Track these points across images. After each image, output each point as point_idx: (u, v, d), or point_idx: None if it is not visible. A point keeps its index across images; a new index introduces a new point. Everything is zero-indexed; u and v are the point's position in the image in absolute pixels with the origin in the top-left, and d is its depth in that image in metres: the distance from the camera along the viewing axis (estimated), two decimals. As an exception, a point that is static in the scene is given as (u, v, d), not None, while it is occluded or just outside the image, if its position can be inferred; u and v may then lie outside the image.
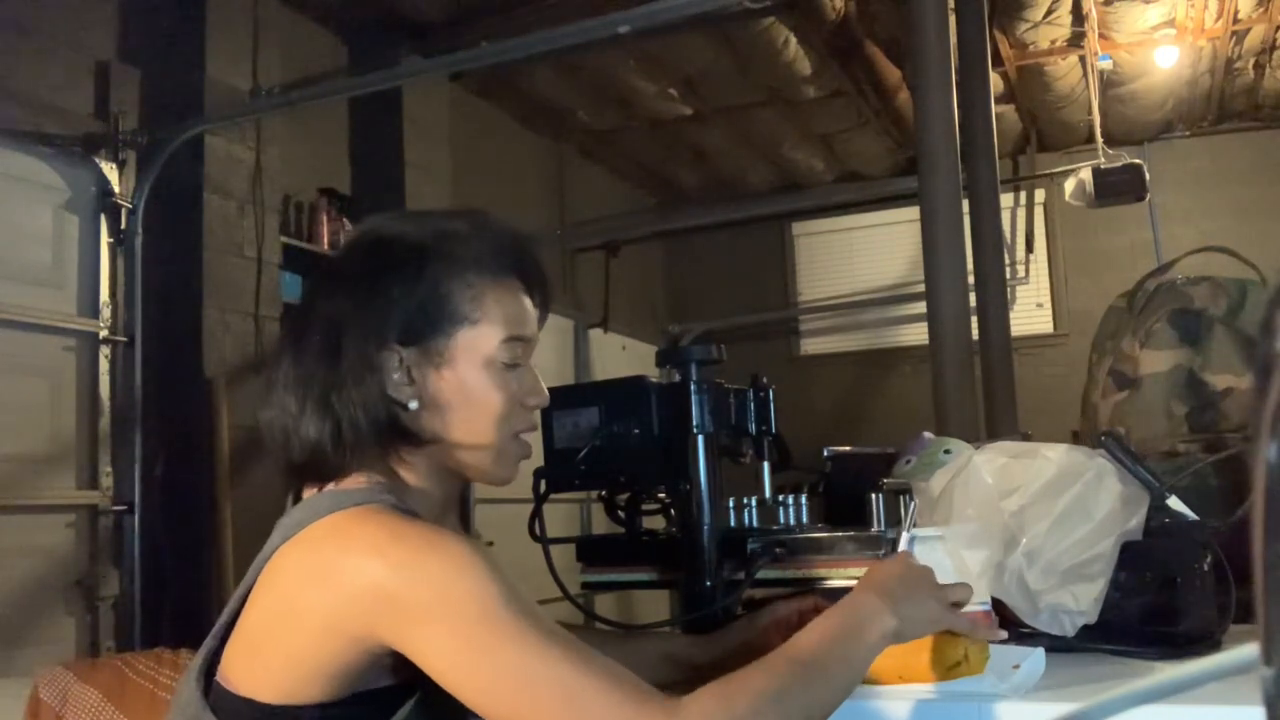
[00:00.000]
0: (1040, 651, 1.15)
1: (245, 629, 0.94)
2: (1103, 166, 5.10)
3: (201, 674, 0.96)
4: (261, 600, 0.93)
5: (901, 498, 1.41)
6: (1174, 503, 1.34)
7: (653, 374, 1.45)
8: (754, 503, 1.43)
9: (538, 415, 1.11)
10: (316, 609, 0.89)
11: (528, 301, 1.10)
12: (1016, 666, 1.11)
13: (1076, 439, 2.23)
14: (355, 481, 1.00)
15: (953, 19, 3.48)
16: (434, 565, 0.87)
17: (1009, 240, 6.44)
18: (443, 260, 1.03)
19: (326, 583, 0.89)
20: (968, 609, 1.17)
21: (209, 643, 0.98)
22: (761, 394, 1.43)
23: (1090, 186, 5.08)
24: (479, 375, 1.03)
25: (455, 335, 1.03)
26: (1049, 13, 4.95)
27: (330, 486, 0.99)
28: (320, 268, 1.10)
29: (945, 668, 1.10)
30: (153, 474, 3.69)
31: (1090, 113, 5.33)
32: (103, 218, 3.69)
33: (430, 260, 1.03)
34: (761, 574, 1.33)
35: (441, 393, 1.02)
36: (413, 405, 1.01)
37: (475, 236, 1.06)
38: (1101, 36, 5.13)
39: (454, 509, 1.12)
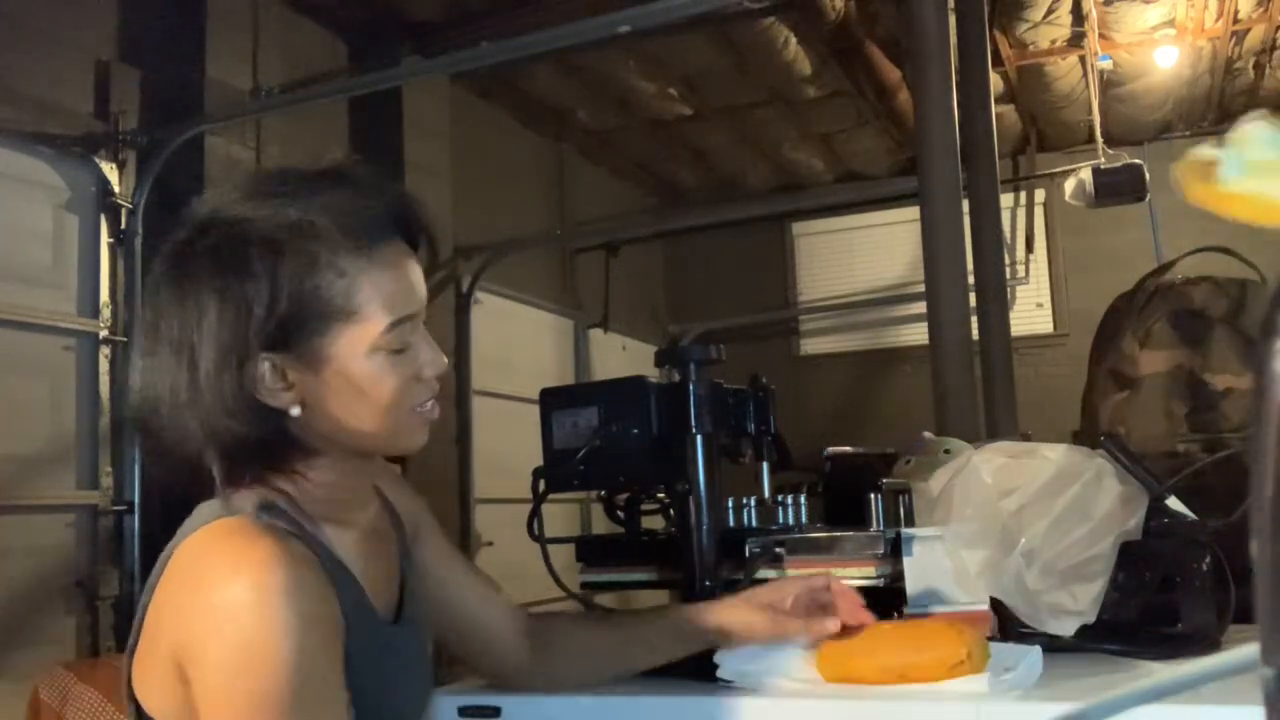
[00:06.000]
0: (1037, 650, 1.15)
1: (140, 646, 0.91)
2: (1103, 166, 5.10)
3: (129, 692, 0.93)
4: (147, 614, 0.90)
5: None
6: (1174, 503, 1.34)
7: (653, 374, 1.45)
8: (753, 503, 1.43)
9: (437, 384, 1.00)
10: (163, 632, 0.87)
11: (412, 268, 0.97)
12: (1008, 670, 1.11)
13: (1076, 439, 2.23)
14: (247, 484, 0.94)
15: (953, 19, 3.48)
16: (244, 622, 0.81)
17: (1009, 240, 6.44)
18: (301, 256, 0.90)
19: (166, 610, 0.87)
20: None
21: (125, 662, 0.94)
22: (761, 394, 1.43)
23: (1090, 186, 5.08)
24: (364, 367, 0.92)
25: (330, 333, 0.91)
26: (1049, 13, 4.95)
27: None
28: (162, 262, 0.95)
29: (947, 667, 1.10)
30: (152, 474, 3.69)
31: (1090, 113, 5.33)
32: (103, 218, 3.69)
33: (286, 257, 0.89)
34: (760, 574, 1.33)
35: (325, 394, 0.92)
36: (295, 411, 0.92)
37: (338, 216, 0.92)
38: (1101, 36, 5.13)
39: (366, 486, 1.05)
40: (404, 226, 0.98)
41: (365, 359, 0.92)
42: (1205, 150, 0.59)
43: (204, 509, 0.93)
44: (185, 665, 0.84)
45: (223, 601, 0.82)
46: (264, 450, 0.93)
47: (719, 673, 1.20)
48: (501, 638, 1.19)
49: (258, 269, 0.89)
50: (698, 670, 1.21)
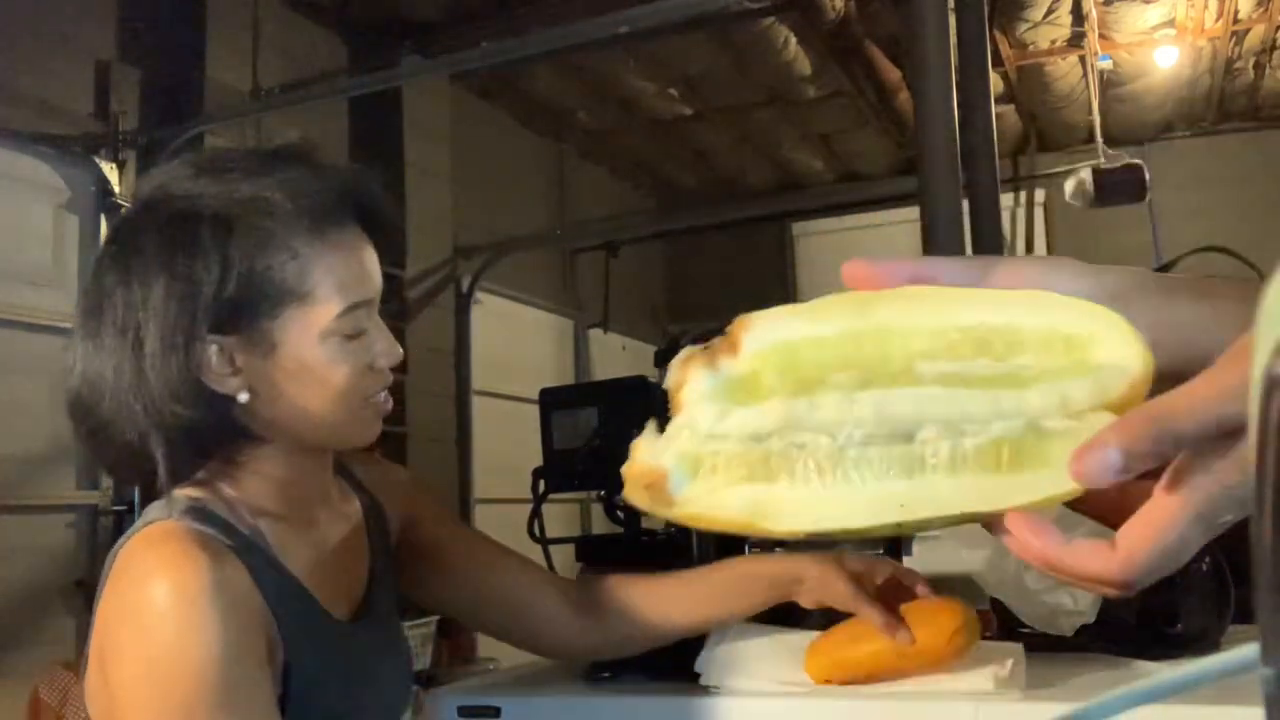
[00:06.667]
0: (1019, 649, 1.15)
1: (90, 655, 0.90)
2: (1103, 166, 5.09)
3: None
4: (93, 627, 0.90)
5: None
6: (1174, 503, 1.34)
7: (653, 374, 1.45)
8: (754, 503, 1.42)
9: (388, 375, 0.97)
10: (95, 643, 0.86)
11: (367, 253, 0.95)
12: (1008, 664, 1.11)
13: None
14: (186, 486, 0.92)
15: (953, 19, 3.48)
16: (160, 630, 0.80)
17: (1009, 240, 6.44)
18: (254, 233, 0.87)
19: (98, 617, 0.86)
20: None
21: (82, 675, 0.92)
22: (761, 394, 1.43)
23: (1090, 186, 5.07)
24: (316, 353, 0.89)
25: (281, 316, 0.88)
26: (1049, 13, 4.95)
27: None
28: (110, 239, 0.93)
29: (946, 636, 1.09)
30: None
31: (1090, 113, 5.33)
32: (103, 218, 3.69)
33: (238, 235, 0.87)
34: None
35: (274, 379, 0.89)
36: (242, 398, 0.89)
37: (293, 195, 0.89)
38: (1101, 36, 5.13)
39: (322, 481, 1.01)
40: (360, 211, 0.95)
41: (317, 344, 0.90)
42: (647, 450, 0.45)
43: (146, 513, 0.92)
44: (107, 672, 0.84)
45: (137, 606, 0.82)
46: (210, 438, 0.90)
47: (701, 680, 1.18)
48: (536, 605, 1.13)
49: (208, 246, 0.86)
50: (691, 673, 1.21)
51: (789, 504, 0.43)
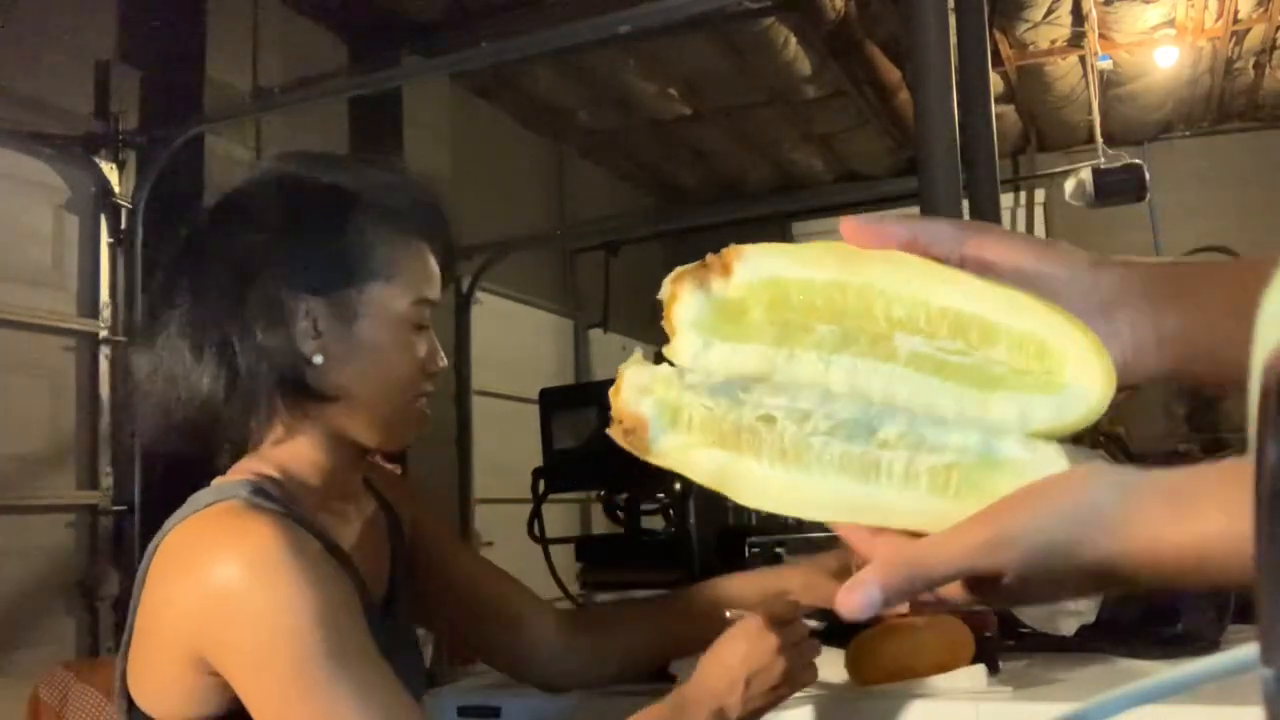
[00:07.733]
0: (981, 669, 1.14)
1: (134, 641, 0.92)
2: (1102, 166, 5.09)
3: (122, 690, 0.93)
4: (141, 609, 0.91)
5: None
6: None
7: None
8: (754, 502, 1.42)
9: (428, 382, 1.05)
10: (164, 624, 0.87)
11: (434, 264, 1.04)
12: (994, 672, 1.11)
13: (1076, 439, 2.23)
14: (236, 473, 0.96)
15: (953, 19, 3.48)
16: (258, 596, 0.82)
17: (1009, 240, 6.43)
18: (369, 210, 0.98)
19: (169, 598, 0.87)
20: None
21: (119, 660, 0.94)
22: (761, 394, 1.43)
23: (1090, 186, 5.07)
24: (387, 334, 0.98)
25: (367, 290, 0.98)
26: (1049, 13, 4.94)
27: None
28: (227, 201, 1.03)
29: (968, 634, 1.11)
30: (153, 474, 3.68)
31: (1090, 113, 5.33)
32: (103, 218, 3.69)
33: (357, 208, 0.98)
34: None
35: (347, 349, 0.97)
36: (317, 360, 0.96)
37: (401, 189, 1.02)
38: (1101, 36, 5.13)
39: (355, 479, 1.06)
40: (434, 231, 1.04)
41: (390, 326, 0.98)
42: (634, 380, 0.51)
43: (195, 498, 0.94)
44: (209, 658, 0.84)
45: (228, 584, 0.82)
46: (280, 386, 0.95)
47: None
48: (528, 627, 1.16)
49: (331, 211, 0.96)
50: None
51: (752, 480, 0.47)
